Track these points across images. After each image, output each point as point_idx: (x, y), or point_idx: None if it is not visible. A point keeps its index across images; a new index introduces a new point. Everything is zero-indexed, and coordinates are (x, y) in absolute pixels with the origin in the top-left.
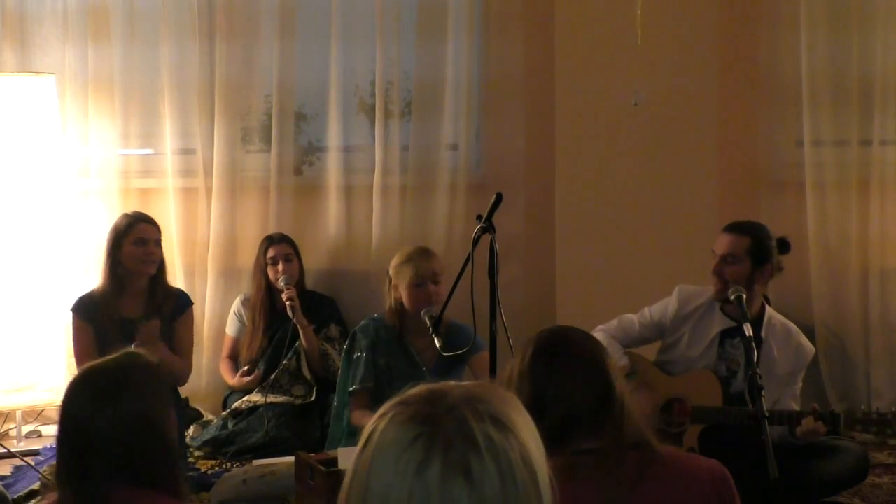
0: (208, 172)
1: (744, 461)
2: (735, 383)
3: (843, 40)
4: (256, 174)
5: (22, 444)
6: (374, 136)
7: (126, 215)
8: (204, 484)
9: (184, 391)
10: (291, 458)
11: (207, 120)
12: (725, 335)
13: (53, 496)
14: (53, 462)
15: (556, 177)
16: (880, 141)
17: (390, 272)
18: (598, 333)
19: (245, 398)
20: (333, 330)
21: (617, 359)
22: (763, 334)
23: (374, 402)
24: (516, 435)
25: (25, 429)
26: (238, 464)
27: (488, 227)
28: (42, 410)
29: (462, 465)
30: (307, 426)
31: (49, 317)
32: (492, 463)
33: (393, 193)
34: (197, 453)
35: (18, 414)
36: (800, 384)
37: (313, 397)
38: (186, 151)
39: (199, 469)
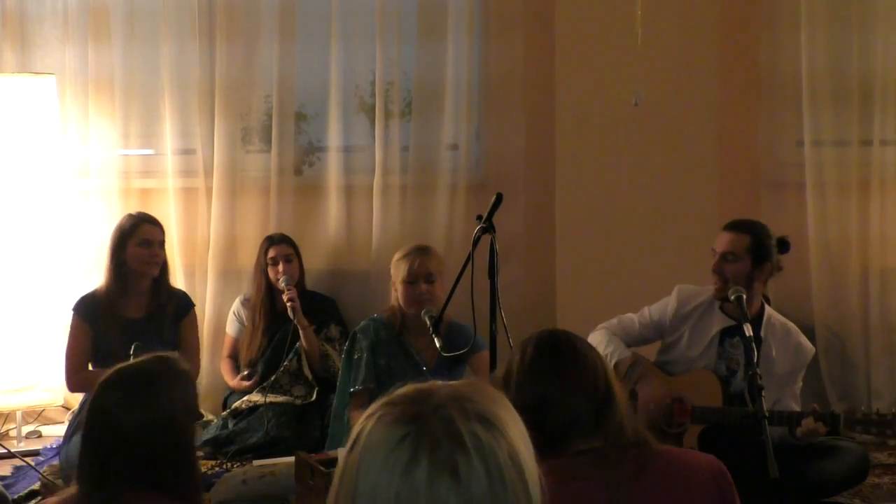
0: (208, 172)
1: (744, 461)
2: (735, 382)
3: (843, 40)
4: (256, 174)
5: (22, 444)
6: (374, 136)
7: (130, 216)
8: (204, 484)
9: None
10: (291, 458)
11: (207, 120)
12: (725, 334)
13: (66, 492)
14: (54, 462)
15: (556, 177)
16: (880, 141)
17: (391, 268)
18: (600, 330)
19: (245, 398)
20: (334, 330)
21: (620, 352)
22: (762, 334)
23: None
24: (504, 434)
25: (25, 429)
26: (238, 464)
27: (488, 228)
28: (42, 410)
29: (449, 464)
30: (307, 426)
31: (49, 317)
32: (479, 462)
33: (393, 193)
34: (197, 453)
35: (18, 414)
36: (800, 384)
37: (314, 398)
38: (186, 151)
39: None
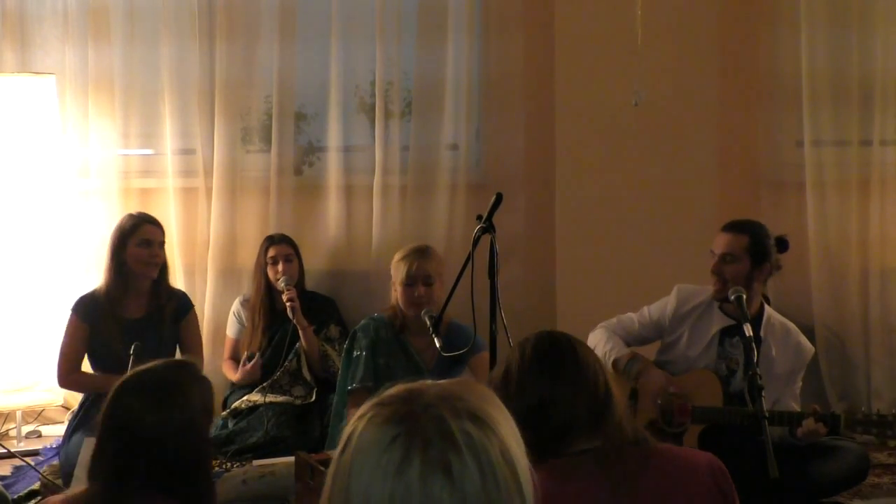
0: (208, 172)
1: (744, 461)
2: (734, 382)
3: (843, 40)
4: (256, 174)
5: (22, 444)
6: (374, 136)
7: (131, 215)
8: None
9: None
10: (291, 458)
11: (207, 120)
12: (725, 334)
13: (70, 491)
14: (54, 462)
15: (556, 177)
16: (880, 141)
17: (391, 268)
18: (599, 330)
19: (245, 398)
20: (333, 330)
21: (619, 349)
22: (762, 333)
23: None
24: (495, 431)
25: (25, 429)
26: (238, 464)
27: (488, 227)
28: (42, 410)
29: (442, 462)
30: (307, 426)
31: (49, 317)
32: (472, 460)
33: (393, 193)
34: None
35: (18, 414)
36: (799, 383)
37: (314, 398)
38: (186, 151)
39: None
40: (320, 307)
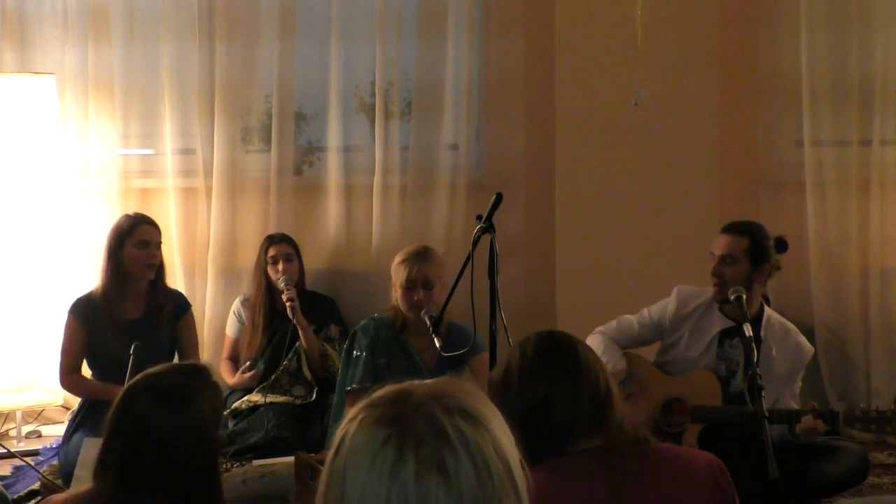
0: (208, 172)
1: (744, 461)
2: (734, 383)
3: (843, 40)
4: (256, 174)
5: (22, 444)
6: (374, 136)
7: (128, 216)
8: None
9: None
10: (291, 458)
11: (207, 120)
12: (725, 335)
13: (72, 491)
14: (53, 462)
15: (556, 177)
16: (880, 141)
17: (391, 269)
18: (597, 336)
19: (245, 398)
20: (333, 330)
21: (614, 363)
22: (762, 334)
23: None
24: (486, 427)
25: (25, 429)
26: (238, 464)
27: (488, 227)
28: (42, 410)
29: (436, 459)
30: (307, 426)
31: (49, 317)
32: (465, 456)
33: (393, 193)
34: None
35: (18, 414)
36: (799, 384)
37: (314, 398)
38: (186, 151)
39: None
40: (320, 307)
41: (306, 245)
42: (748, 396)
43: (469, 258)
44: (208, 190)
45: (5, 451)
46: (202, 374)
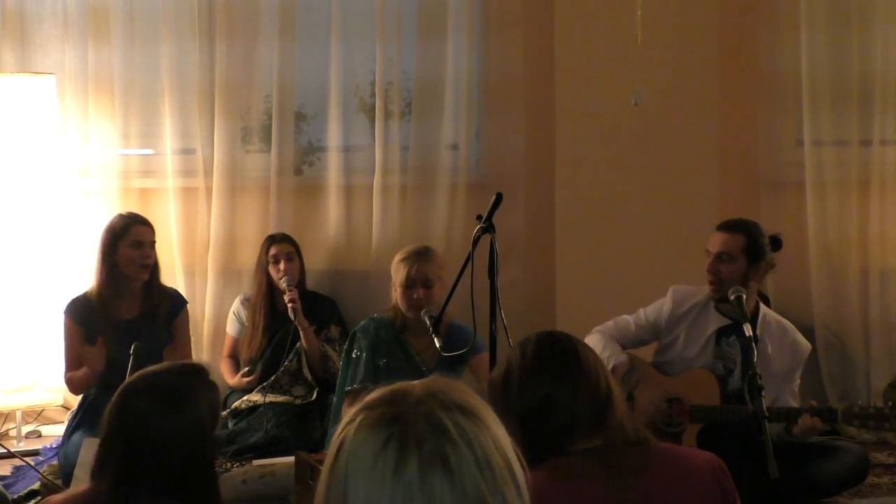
0: (208, 172)
1: (743, 461)
2: (732, 381)
3: (843, 40)
4: (256, 174)
5: (22, 444)
6: (374, 136)
7: (121, 216)
8: None
9: None
10: (291, 458)
11: (207, 120)
12: (721, 334)
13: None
14: (53, 462)
15: (556, 177)
16: (880, 141)
17: (391, 269)
18: (595, 334)
19: (245, 398)
20: (334, 331)
21: (616, 356)
22: (759, 332)
23: None
24: (483, 421)
25: (25, 429)
26: (238, 464)
27: (488, 227)
28: (42, 410)
29: (439, 456)
30: (307, 426)
31: (49, 317)
32: (467, 450)
33: (393, 193)
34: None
35: (18, 414)
36: (797, 381)
37: (314, 398)
38: (186, 151)
39: None
40: (321, 308)
41: (306, 245)
42: (748, 396)
43: (469, 258)
44: (208, 190)
45: (5, 451)
46: (200, 374)
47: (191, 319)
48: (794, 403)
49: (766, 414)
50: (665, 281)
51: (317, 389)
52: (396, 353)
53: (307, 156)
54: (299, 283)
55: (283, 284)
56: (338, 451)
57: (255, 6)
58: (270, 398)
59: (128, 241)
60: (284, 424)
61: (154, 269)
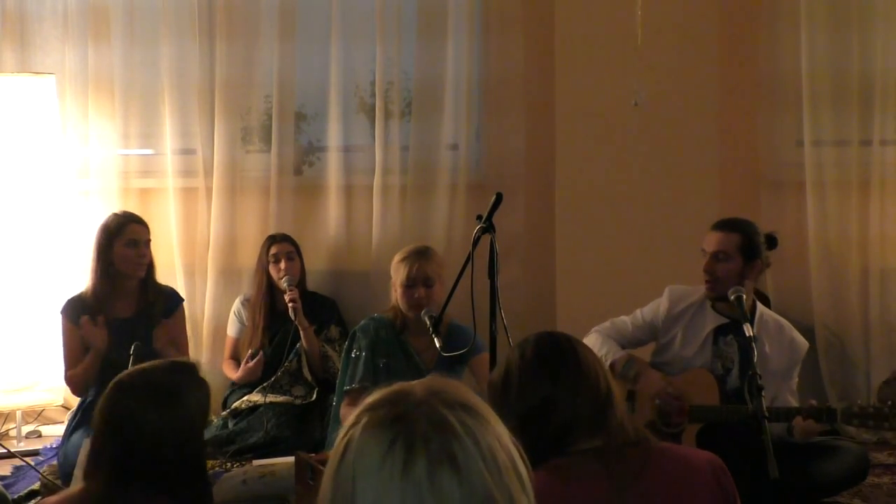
0: (208, 172)
1: (743, 461)
2: (730, 380)
3: (843, 40)
4: (256, 174)
5: (22, 444)
6: (374, 136)
7: (116, 215)
8: None
9: None
10: (291, 458)
11: (207, 120)
12: (718, 333)
13: (66, 491)
14: (53, 462)
15: (556, 177)
16: (880, 141)
17: (391, 269)
18: (593, 334)
19: (245, 398)
20: (334, 331)
21: (615, 352)
22: (756, 331)
23: None
24: (486, 419)
25: (25, 429)
26: (238, 464)
27: (488, 227)
28: (42, 410)
29: (446, 452)
30: (307, 426)
31: (49, 317)
32: (473, 446)
33: (393, 193)
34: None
35: (18, 414)
36: (796, 379)
37: (314, 397)
38: (186, 151)
39: None
40: (321, 308)
41: (306, 245)
42: (747, 396)
43: (469, 258)
44: (208, 190)
45: (5, 451)
46: (191, 371)
47: (191, 320)
48: (794, 401)
49: (766, 414)
50: (665, 281)
51: (317, 389)
52: (396, 353)
53: (307, 156)
54: (299, 284)
55: (283, 284)
56: (343, 452)
57: (255, 6)
58: (270, 398)
59: (123, 240)
60: (284, 424)
61: (150, 267)
